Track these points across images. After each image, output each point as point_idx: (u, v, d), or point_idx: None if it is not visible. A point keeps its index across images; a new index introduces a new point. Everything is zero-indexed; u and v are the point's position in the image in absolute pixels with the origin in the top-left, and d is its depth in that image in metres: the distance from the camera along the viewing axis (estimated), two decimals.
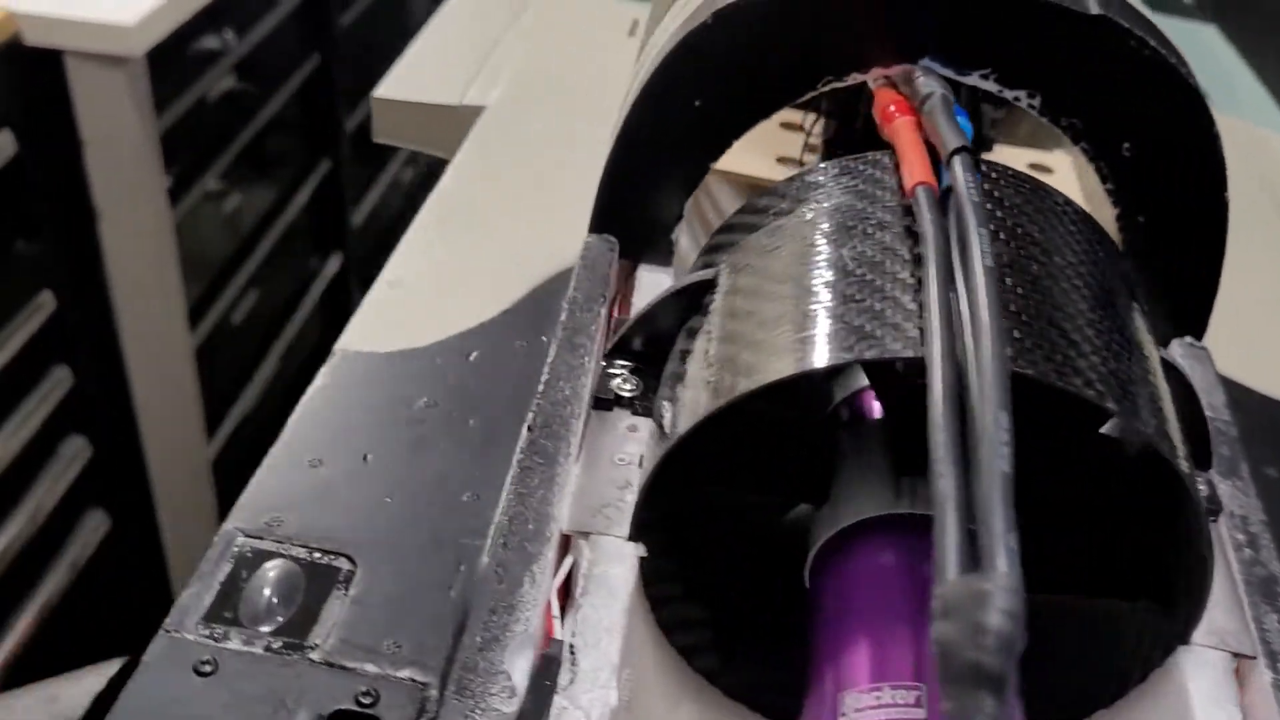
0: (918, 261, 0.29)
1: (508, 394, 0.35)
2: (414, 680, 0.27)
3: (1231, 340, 0.40)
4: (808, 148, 0.49)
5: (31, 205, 0.93)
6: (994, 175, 0.32)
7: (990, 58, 0.36)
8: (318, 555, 0.29)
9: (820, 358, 0.28)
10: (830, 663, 0.28)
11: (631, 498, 0.32)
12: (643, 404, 0.34)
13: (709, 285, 0.34)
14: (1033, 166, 0.53)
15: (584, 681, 0.27)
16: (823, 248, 0.31)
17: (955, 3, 0.35)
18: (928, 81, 0.33)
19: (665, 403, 0.33)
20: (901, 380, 0.33)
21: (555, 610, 0.30)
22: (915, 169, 0.30)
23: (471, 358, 0.36)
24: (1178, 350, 0.39)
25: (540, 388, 0.34)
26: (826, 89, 0.37)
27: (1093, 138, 0.37)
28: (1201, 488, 0.33)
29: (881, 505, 0.30)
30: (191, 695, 0.26)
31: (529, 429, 0.33)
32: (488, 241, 0.41)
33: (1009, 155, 0.53)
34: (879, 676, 0.27)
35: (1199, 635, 0.30)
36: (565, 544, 0.31)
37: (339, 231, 1.49)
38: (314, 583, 0.29)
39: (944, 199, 0.29)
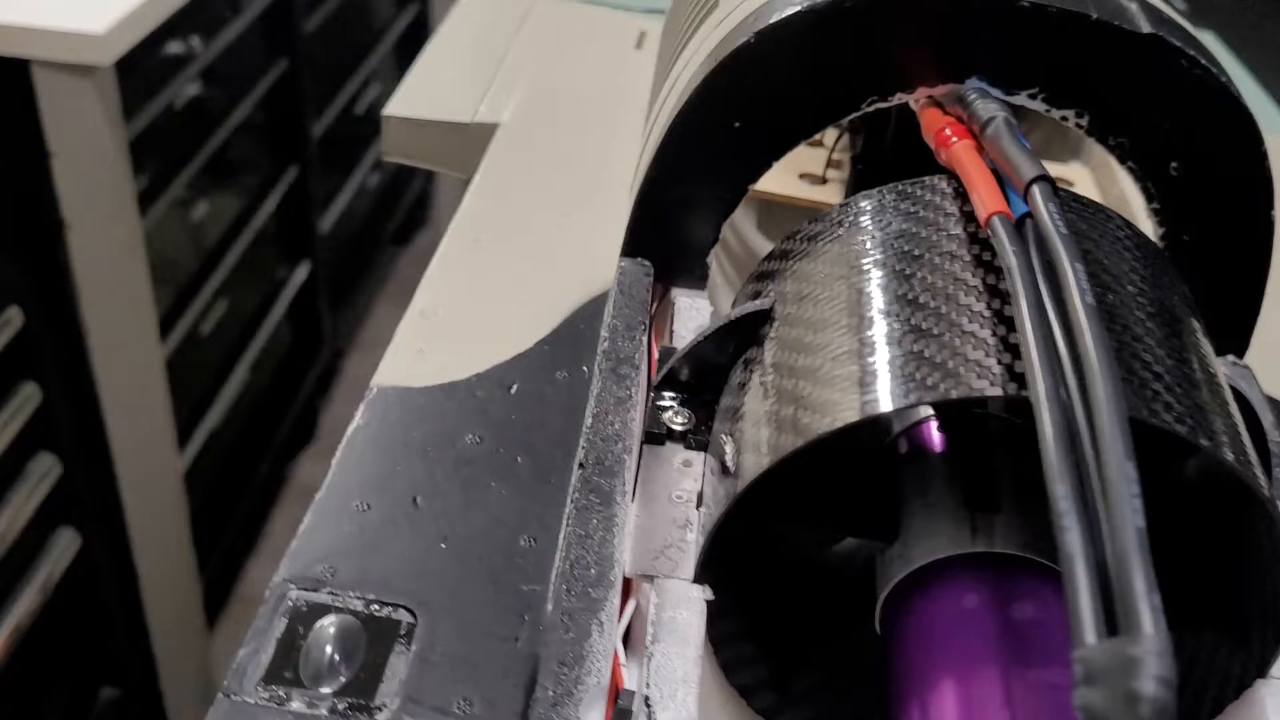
0: (993, 293, 0.29)
1: (554, 428, 0.34)
2: None
3: (1267, 357, 0.40)
4: (830, 163, 0.48)
5: None
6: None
7: (1040, 77, 0.35)
8: (376, 607, 0.28)
9: (901, 395, 0.27)
10: (917, 709, 0.27)
11: (692, 536, 0.31)
12: (696, 438, 0.33)
13: (764, 316, 0.33)
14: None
15: None
16: (888, 277, 0.30)
17: (1006, 22, 0.34)
18: (986, 104, 0.32)
19: (725, 437, 0.32)
20: (965, 411, 0.32)
21: (621, 657, 0.29)
22: (987, 198, 0.29)
23: (513, 390, 0.35)
24: (1223, 369, 0.38)
25: (588, 421, 0.33)
26: (871, 109, 0.36)
27: (1140, 157, 0.36)
28: None
29: (958, 544, 0.29)
30: None
31: (580, 466, 0.32)
32: (516, 265, 0.40)
33: None
34: None
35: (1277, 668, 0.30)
36: (627, 587, 0.30)
37: (307, 239, 1.47)
38: (375, 637, 0.28)
39: (1018, 228, 0.28)
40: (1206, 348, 0.31)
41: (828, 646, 0.34)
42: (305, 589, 0.28)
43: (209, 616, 1.31)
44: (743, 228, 0.51)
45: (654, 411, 0.34)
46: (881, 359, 0.28)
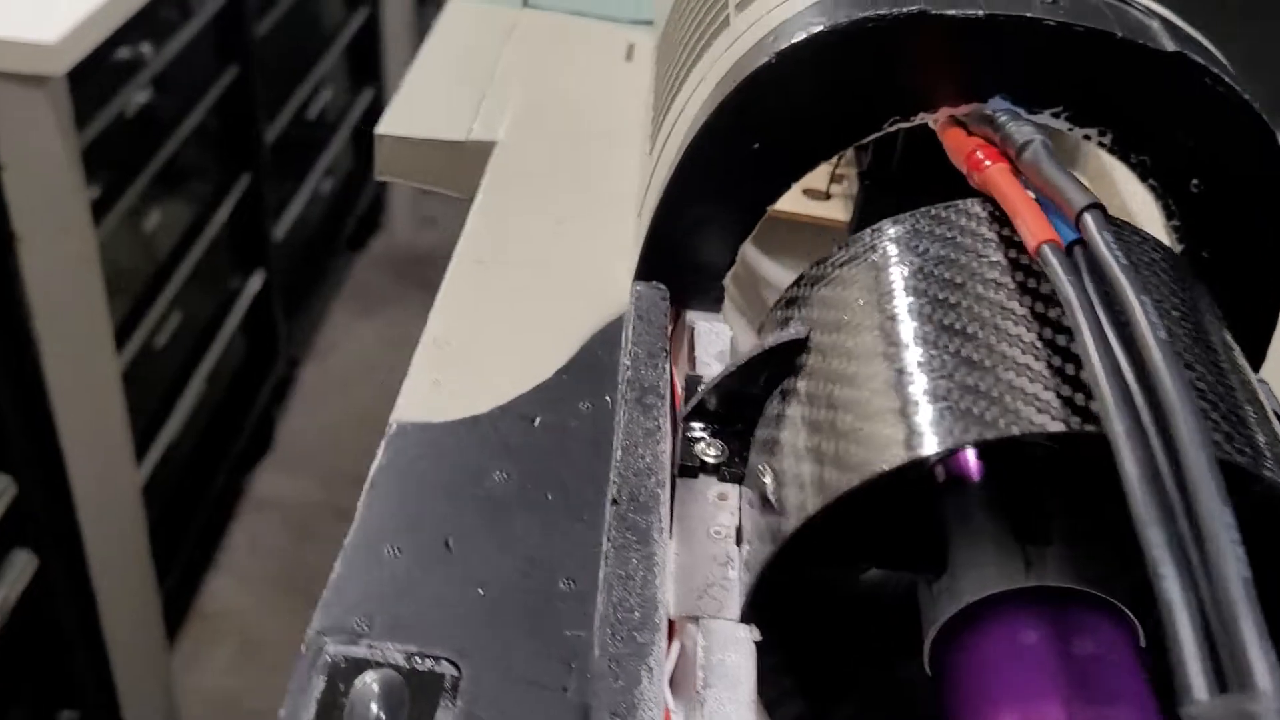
0: (1042, 322, 0.28)
1: (582, 462, 0.33)
2: None
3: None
4: (834, 178, 0.47)
5: None
6: None
7: (1064, 96, 0.35)
8: (418, 660, 0.27)
9: (960, 432, 0.26)
10: None
11: (734, 574, 0.30)
12: (730, 470, 0.33)
13: (799, 345, 0.32)
14: None
15: None
16: (930, 306, 0.30)
17: (1031, 40, 0.34)
18: (1020, 127, 0.32)
19: (762, 469, 0.31)
20: (1010, 441, 0.31)
21: (669, 703, 0.28)
22: (1035, 226, 0.28)
23: (536, 423, 0.34)
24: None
25: (617, 455, 0.32)
26: (893, 129, 0.36)
27: (1161, 174, 0.36)
28: None
29: (1011, 578, 0.28)
30: None
31: (614, 502, 0.31)
32: (526, 288, 0.39)
33: None
34: None
35: None
36: (670, 628, 0.29)
37: (261, 247, 1.44)
38: (418, 692, 0.26)
39: (1068, 255, 0.28)
40: (1247, 370, 0.31)
41: (865, 678, 0.33)
42: (342, 642, 0.27)
43: (169, 633, 1.29)
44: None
45: (685, 443, 0.33)
46: (932, 393, 0.27)
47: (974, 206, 0.32)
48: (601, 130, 0.48)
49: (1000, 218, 0.31)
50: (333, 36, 1.70)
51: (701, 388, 0.34)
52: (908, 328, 0.29)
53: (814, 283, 0.33)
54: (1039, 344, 0.28)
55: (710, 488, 0.32)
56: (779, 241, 0.48)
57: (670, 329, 0.39)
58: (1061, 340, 0.28)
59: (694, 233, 0.38)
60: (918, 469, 0.32)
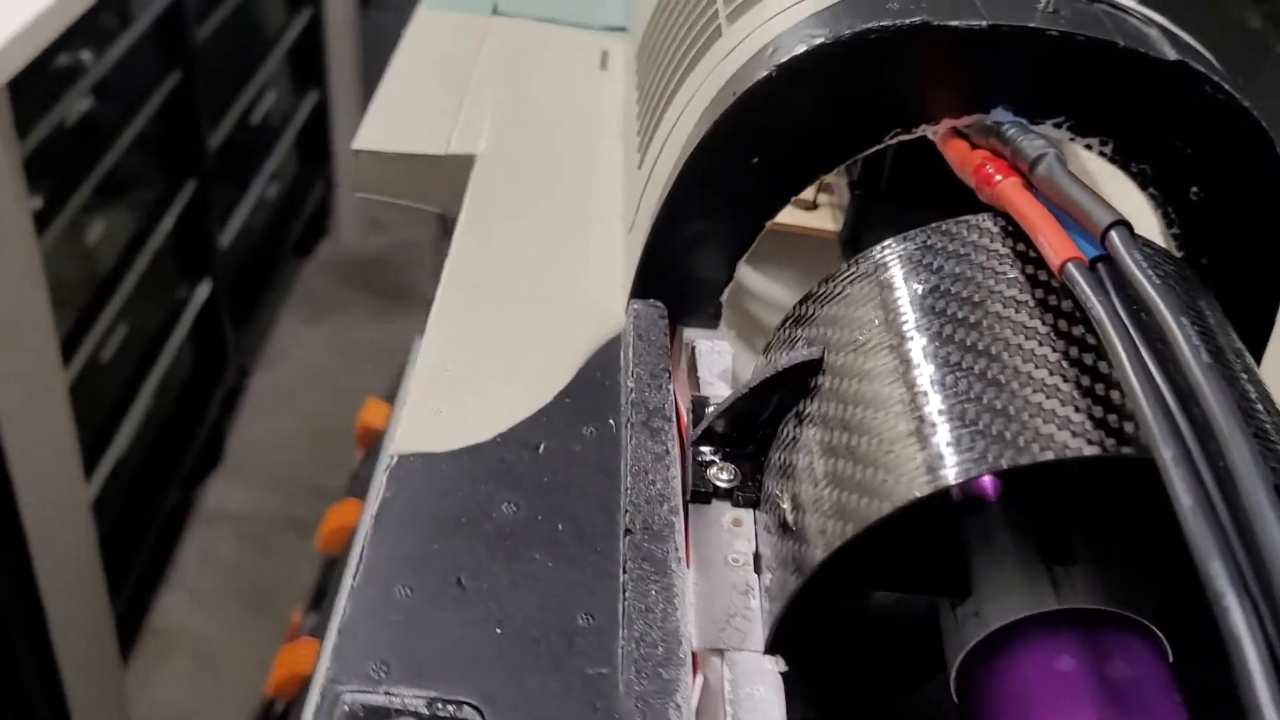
0: (1067, 340, 0.28)
1: (590, 489, 0.32)
2: None
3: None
4: (821, 188, 0.47)
5: None
6: None
7: (1066, 106, 0.34)
8: (439, 706, 0.26)
9: (994, 457, 0.26)
10: None
11: (755, 603, 0.30)
12: (743, 494, 0.32)
13: (812, 366, 0.31)
14: None
15: None
16: (950, 325, 0.29)
17: (1033, 51, 0.33)
18: (1031, 140, 0.31)
19: (779, 494, 0.30)
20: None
21: None
22: (1057, 244, 0.28)
23: (541, 450, 0.33)
24: None
25: (627, 481, 0.32)
26: (894, 141, 0.35)
27: (1161, 183, 0.36)
28: None
29: (1040, 601, 0.28)
30: None
31: (628, 532, 0.30)
32: (518, 309, 0.38)
33: None
34: None
35: None
36: (693, 660, 0.28)
37: (207, 255, 1.41)
38: None
39: (1092, 271, 0.27)
40: (1260, 379, 0.31)
41: (882, 701, 0.33)
42: (359, 690, 0.26)
43: (122, 650, 1.26)
44: None
45: (696, 468, 0.32)
46: (960, 416, 0.27)
47: (986, 222, 0.31)
48: (582, 142, 0.47)
49: (1014, 233, 0.31)
50: (275, 40, 1.67)
51: (710, 410, 0.33)
52: (928, 348, 0.29)
53: (820, 301, 0.33)
54: (1065, 363, 0.27)
55: (724, 513, 0.32)
56: (764, 252, 0.47)
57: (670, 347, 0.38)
58: (1088, 359, 0.27)
59: (691, 249, 0.37)
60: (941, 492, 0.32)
